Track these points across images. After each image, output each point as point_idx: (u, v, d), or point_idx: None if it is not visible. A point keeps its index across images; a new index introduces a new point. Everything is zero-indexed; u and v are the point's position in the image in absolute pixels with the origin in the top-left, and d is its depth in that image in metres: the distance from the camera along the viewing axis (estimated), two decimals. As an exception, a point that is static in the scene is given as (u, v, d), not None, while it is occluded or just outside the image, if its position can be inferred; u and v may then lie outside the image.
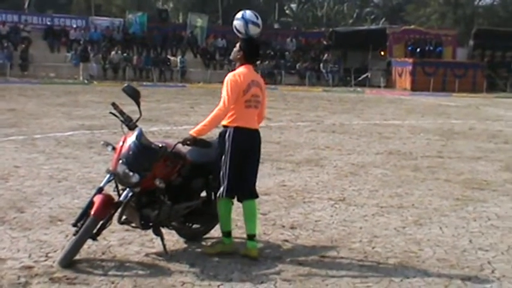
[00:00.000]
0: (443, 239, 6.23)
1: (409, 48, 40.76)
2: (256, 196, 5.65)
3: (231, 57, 5.85)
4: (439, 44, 41.38)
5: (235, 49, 5.66)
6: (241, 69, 5.55)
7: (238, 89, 5.42)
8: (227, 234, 5.61)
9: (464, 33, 53.03)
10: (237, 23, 5.62)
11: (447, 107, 25.51)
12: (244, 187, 5.54)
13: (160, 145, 5.29)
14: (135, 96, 5.46)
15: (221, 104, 5.36)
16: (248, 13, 5.65)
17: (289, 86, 35.58)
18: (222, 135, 5.47)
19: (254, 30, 5.63)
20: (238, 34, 5.66)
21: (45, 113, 16.33)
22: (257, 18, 5.66)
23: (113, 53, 35.08)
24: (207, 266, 5.21)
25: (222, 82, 5.56)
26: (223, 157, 5.43)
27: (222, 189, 5.46)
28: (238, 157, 5.44)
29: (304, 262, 5.40)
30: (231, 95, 5.38)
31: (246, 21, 5.58)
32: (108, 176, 5.30)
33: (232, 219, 6.51)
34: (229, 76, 5.50)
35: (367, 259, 5.56)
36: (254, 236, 5.55)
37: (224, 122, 5.44)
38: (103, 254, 5.40)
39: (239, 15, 5.65)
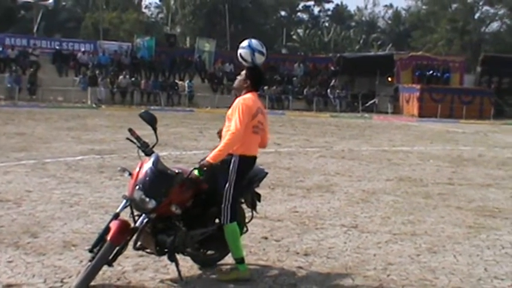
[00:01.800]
0: (458, 267, 6.19)
1: (417, 74, 40.85)
2: None
3: (234, 85, 5.83)
4: (446, 71, 41.48)
5: (240, 77, 5.70)
6: (249, 95, 5.59)
7: (250, 113, 5.46)
8: (241, 260, 5.57)
9: (471, 60, 53.31)
10: (244, 51, 5.66)
11: (455, 134, 25.50)
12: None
13: (176, 171, 5.30)
14: (152, 122, 5.49)
15: (233, 127, 5.36)
16: (254, 42, 5.69)
17: (296, 112, 35.71)
18: (225, 162, 5.40)
19: (260, 59, 5.68)
20: (244, 62, 5.68)
21: (54, 137, 16.39)
22: (262, 47, 5.72)
23: (120, 77, 35.34)
24: (222, 293, 5.20)
25: (229, 107, 5.58)
26: (227, 184, 5.43)
27: (227, 216, 5.45)
28: (241, 184, 5.50)
29: (319, 290, 5.37)
30: (243, 118, 5.40)
31: (252, 49, 5.62)
32: (124, 201, 5.30)
33: (246, 246, 6.54)
34: (241, 100, 5.52)
35: (383, 287, 5.53)
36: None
37: None
38: (118, 279, 5.38)
39: (245, 43, 5.69)
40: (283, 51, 60.45)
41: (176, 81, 37.60)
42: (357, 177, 11.83)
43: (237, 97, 5.66)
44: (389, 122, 32.20)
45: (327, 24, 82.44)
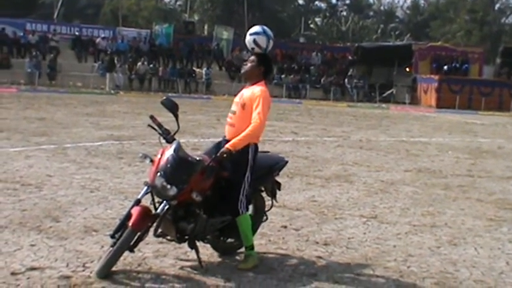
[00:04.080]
0: (479, 260, 6.16)
1: (435, 65, 40.56)
2: None
3: (246, 72, 5.64)
4: (465, 61, 41.16)
5: (251, 64, 5.57)
6: (264, 85, 5.54)
7: (269, 105, 5.47)
8: (251, 247, 5.60)
9: (490, 51, 52.83)
10: (259, 37, 5.53)
11: (474, 125, 25.32)
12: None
13: (197, 158, 5.30)
14: (173, 109, 5.50)
15: (257, 119, 5.32)
16: (267, 28, 5.61)
17: (313, 101, 35.61)
18: (241, 152, 5.34)
19: (271, 46, 5.63)
20: (257, 49, 5.55)
21: (74, 123, 16.47)
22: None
23: (139, 63, 35.43)
24: (242, 281, 5.20)
25: (235, 95, 5.55)
26: (246, 174, 5.42)
27: (243, 205, 5.46)
28: (254, 173, 5.52)
29: (339, 280, 5.36)
30: (266, 111, 5.40)
31: (268, 36, 5.55)
32: (145, 188, 5.31)
33: (266, 234, 6.56)
34: (263, 92, 5.45)
35: (403, 278, 5.51)
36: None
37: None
38: (138, 265, 5.41)
39: (259, 29, 5.58)
40: (301, 40, 60.14)
41: (194, 68, 37.62)
42: (375, 168, 11.79)
43: (252, 84, 5.57)
44: (407, 113, 32.03)
45: (344, 13, 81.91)
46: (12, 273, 5.01)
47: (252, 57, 5.61)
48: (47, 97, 26.08)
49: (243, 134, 5.32)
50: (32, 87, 30.67)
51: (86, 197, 7.88)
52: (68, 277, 5.00)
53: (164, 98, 5.67)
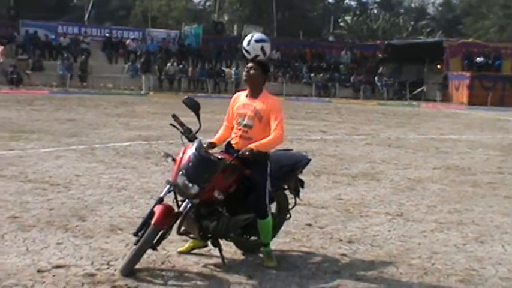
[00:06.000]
0: (506, 257, 6.09)
1: (467, 61, 40.04)
2: None
3: (251, 79, 5.53)
4: (498, 57, 40.54)
5: (254, 72, 5.50)
6: (270, 94, 5.58)
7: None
8: (268, 244, 5.64)
9: (524, 47, 51.90)
10: (266, 45, 5.52)
11: (506, 122, 24.98)
12: None
13: (219, 157, 5.32)
14: (195, 108, 5.53)
15: (280, 130, 5.31)
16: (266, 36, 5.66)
17: (343, 99, 35.47)
18: (258, 155, 5.29)
19: None
20: (262, 56, 5.53)
21: (103, 123, 16.67)
22: None
23: (168, 64, 35.65)
24: (265, 279, 5.22)
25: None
26: (266, 177, 5.43)
27: (268, 205, 5.47)
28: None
29: (363, 277, 5.35)
30: (283, 120, 5.44)
31: (270, 44, 5.57)
32: (168, 186, 5.35)
33: (290, 232, 6.57)
34: (278, 102, 5.50)
35: (428, 276, 5.47)
36: None
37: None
38: (162, 263, 5.46)
39: (263, 36, 5.64)
40: (330, 38, 59.92)
41: (223, 68, 37.73)
42: (403, 165, 11.71)
43: (255, 93, 5.54)
44: (438, 110, 31.72)
45: (375, 11, 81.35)
46: (39, 271, 5.10)
47: (253, 65, 5.52)
48: (78, 98, 26.41)
49: (266, 140, 5.31)
50: (63, 89, 31.10)
51: (113, 196, 7.98)
52: (92, 275, 5.07)
53: (186, 97, 5.71)
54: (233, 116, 5.65)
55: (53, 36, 36.25)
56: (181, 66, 36.06)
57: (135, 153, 11.64)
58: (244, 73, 5.61)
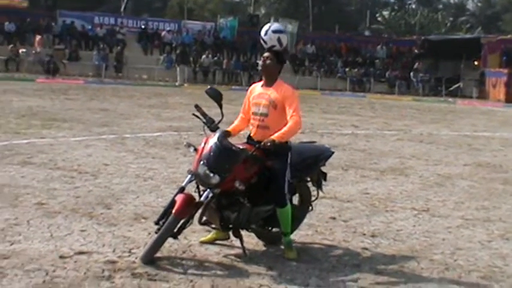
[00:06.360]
0: (531, 256, 5.99)
1: (505, 58, 39.33)
2: None
3: (267, 68, 5.58)
4: (537, 54, 39.70)
5: (270, 62, 5.54)
6: (285, 83, 5.61)
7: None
8: (289, 234, 5.64)
9: None
10: (283, 36, 5.60)
11: (543, 120, 24.51)
12: None
13: (241, 147, 5.33)
14: (217, 98, 5.57)
15: (296, 116, 5.35)
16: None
17: (378, 94, 35.17)
18: (280, 146, 5.31)
19: None
20: (278, 46, 5.57)
21: (135, 114, 16.81)
22: None
23: (203, 56, 35.75)
24: (285, 270, 5.22)
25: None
26: (287, 166, 5.44)
27: (286, 194, 5.47)
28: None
29: (383, 271, 5.31)
30: (299, 107, 5.48)
31: (287, 35, 5.59)
32: (189, 176, 5.37)
33: (313, 225, 6.55)
34: (293, 90, 5.59)
35: (448, 271, 5.41)
36: None
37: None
38: (183, 252, 5.50)
39: (281, 27, 5.68)
40: (366, 33, 59.44)
41: (258, 61, 37.68)
42: (434, 161, 11.58)
43: (270, 82, 5.59)
44: (474, 107, 31.26)
45: (413, 6, 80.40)
46: (61, 257, 5.17)
47: (269, 55, 5.56)
48: (113, 89, 26.68)
49: (285, 129, 5.33)
50: (98, 79, 31.44)
51: (139, 185, 8.05)
52: (113, 262, 5.13)
53: (208, 87, 5.75)
54: (249, 108, 5.67)
55: (90, 27, 36.65)
56: (216, 58, 36.17)
57: (164, 144, 11.72)
58: (260, 62, 5.66)
